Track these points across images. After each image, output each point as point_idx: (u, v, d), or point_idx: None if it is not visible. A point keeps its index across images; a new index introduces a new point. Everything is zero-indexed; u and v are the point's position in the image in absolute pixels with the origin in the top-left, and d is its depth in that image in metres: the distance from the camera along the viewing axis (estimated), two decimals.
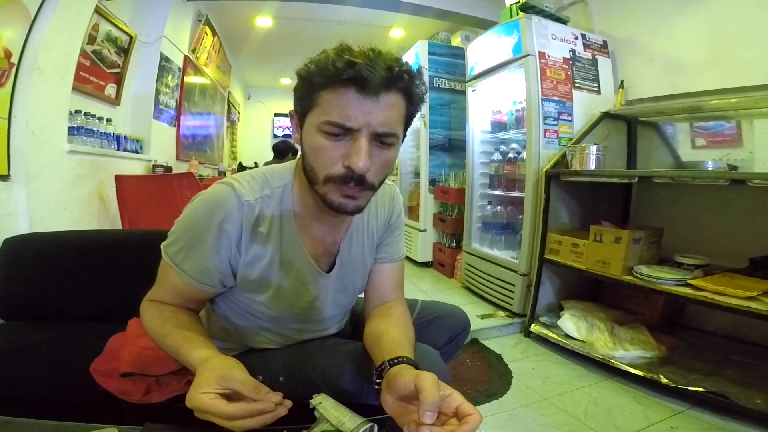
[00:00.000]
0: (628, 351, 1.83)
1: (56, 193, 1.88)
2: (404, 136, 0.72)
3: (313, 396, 0.69)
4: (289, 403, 0.57)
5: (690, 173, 1.73)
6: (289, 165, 0.80)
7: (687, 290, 1.57)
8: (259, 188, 0.74)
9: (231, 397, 0.56)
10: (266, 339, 0.87)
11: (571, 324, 2.04)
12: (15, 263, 1.38)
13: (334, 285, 0.85)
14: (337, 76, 0.60)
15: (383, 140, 0.65)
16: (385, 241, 0.90)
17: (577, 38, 2.35)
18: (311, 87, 0.64)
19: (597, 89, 2.39)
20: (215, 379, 0.56)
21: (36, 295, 1.36)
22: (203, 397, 0.54)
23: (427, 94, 0.72)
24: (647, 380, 1.66)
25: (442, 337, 1.01)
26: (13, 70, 1.62)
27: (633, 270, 1.77)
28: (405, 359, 0.66)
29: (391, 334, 0.75)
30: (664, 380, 1.60)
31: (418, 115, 3.15)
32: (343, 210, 0.68)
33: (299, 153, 0.75)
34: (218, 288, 0.77)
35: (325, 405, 0.68)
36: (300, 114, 0.69)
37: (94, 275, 1.38)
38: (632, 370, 1.70)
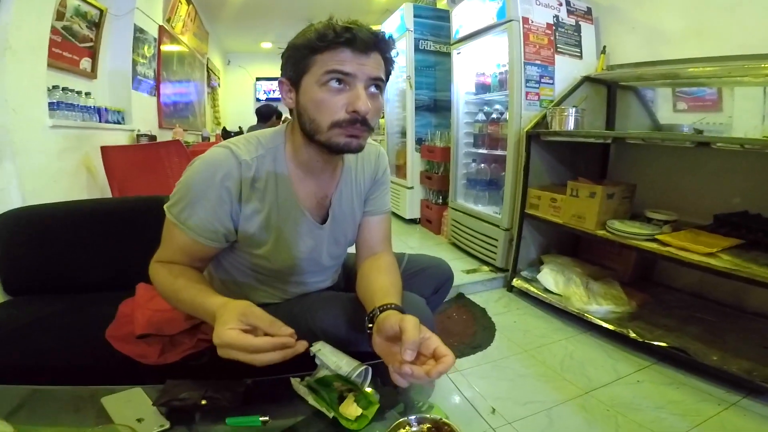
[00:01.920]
0: (601, 305, 1.93)
1: (45, 167, 1.91)
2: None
3: (313, 344, 0.76)
4: (305, 343, 0.64)
5: (660, 135, 1.81)
6: (279, 128, 0.87)
7: (654, 245, 1.66)
8: (254, 149, 0.81)
9: (251, 334, 0.62)
10: (267, 294, 0.94)
11: (550, 278, 2.15)
12: (13, 238, 1.38)
13: (327, 237, 0.92)
14: (336, 38, 0.70)
15: (376, 84, 0.76)
16: (372, 195, 0.98)
17: (561, 4, 2.35)
18: (309, 51, 0.73)
19: (579, 54, 2.42)
20: (237, 316, 0.62)
21: (38, 269, 1.37)
22: (230, 332, 0.60)
23: (397, 56, 0.85)
24: (617, 334, 1.75)
25: (428, 287, 1.08)
26: None
27: (606, 225, 1.85)
28: (393, 305, 0.74)
29: (380, 282, 0.83)
30: (632, 335, 1.69)
31: (404, 76, 3.15)
32: (348, 149, 0.77)
33: (283, 116, 0.81)
34: (222, 243, 0.82)
35: (324, 351, 0.75)
36: (294, 78, 0.77)
37: (93, 244, 1.39)
38: (604, 324, 1.80)
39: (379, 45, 0.74)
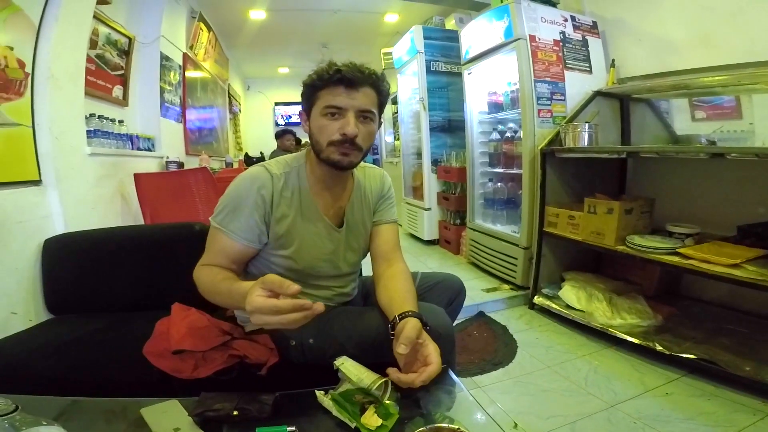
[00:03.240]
0: (625, 320, 1.90)
1: (84, 194, 1.99)
2: (380, 116, 1.02)
3: (337, 358, 0.84)
4: (321, 305, 0.73)
5: (674, 148, 1.80)
6: (301, 152, 1.07)
7: (676, 259, 1.64)
8: (282, 167, 1.02)
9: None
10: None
11: (572, 294, 2.14)
12: (57, 262, 1.51)
13: (344, 241, 1.08)
14: (330, 78, 0.91)
15: (365, 115, 0.94)
16: (379, 208, 1.16)
17: (566, 20, 2.39)
18: (314, 89, 0.95)
19: (588, 69, 2.44)
20: (259, 284, 0.72)
21: (80, 291, 1.49)
22: (257, 298, 0.70)
23: (390, 87, 1.03)
24: (643, 348, 1.72)
25: (442, 300, 1.17)
26: (29, 79, 1.69)
27: (626, 240, 1.84)
28: (410, 313, 0.84)
29: (396, 290, 0.96)
30: (659, 348, 1.67)
31: (417, 98, 3.24)
32: (341, 165, 0.96)
33: (303, 141, 0.92)
34: (256, 244, 0.98)
35: (346, 365, 0.82)
36: (307, 110, 0.99)
37: (131, 267, 1.50)
38: (629, 338, 1.77)
39: (368, 81, 0.93)
